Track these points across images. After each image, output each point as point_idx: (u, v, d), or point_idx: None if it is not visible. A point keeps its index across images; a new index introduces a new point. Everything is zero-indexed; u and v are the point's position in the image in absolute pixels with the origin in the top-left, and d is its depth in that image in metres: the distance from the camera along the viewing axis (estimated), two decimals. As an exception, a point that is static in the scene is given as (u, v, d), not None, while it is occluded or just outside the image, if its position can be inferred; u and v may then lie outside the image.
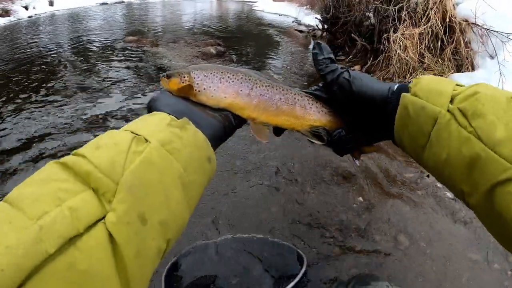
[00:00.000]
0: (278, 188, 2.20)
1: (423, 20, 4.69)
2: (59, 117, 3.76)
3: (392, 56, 4.64)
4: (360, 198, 2.04)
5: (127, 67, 6.13)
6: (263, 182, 2.28)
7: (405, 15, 4.96)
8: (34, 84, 5.27)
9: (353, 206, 1.99)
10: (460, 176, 0.51)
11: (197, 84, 0.71)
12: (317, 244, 1.66)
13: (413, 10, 4.98)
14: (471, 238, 1.82)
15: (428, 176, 2.27)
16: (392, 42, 4.69)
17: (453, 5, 4.61)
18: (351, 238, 1.73)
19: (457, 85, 0.58)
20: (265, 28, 12.94)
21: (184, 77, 0.71)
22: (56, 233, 0.35)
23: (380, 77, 4.81)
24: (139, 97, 4.19)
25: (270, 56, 7.13)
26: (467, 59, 4.29)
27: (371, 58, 5.63)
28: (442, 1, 4.58)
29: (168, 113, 0.57)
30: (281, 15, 17.82)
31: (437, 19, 4.55)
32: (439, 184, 2.19)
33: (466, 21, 4.37)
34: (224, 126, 0.66)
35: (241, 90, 0.72)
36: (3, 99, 4.54)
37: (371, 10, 6.33)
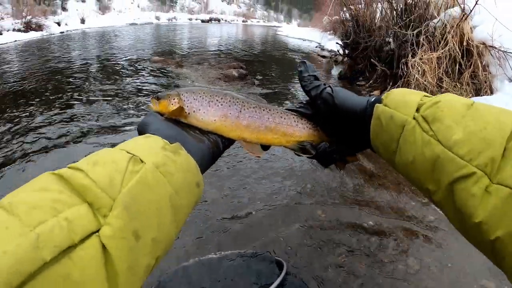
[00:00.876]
0: (289, 207, 2.23)
1: (441, 44, 4.73)
2: (80, 125, 3.99)
3: (411, 81, 4.66)
4: (371, 222, 2.04)
5: (150, 84, 6.36)
6: (275, 203, 2.33)
7: (423, 39, 5.01)
8: (61, 95, 5.50)
9: (363, 228, 1.99)
10: (424, 176, 0.55)
11: (187, 106, 0.73)
12: (325, 265, 1.69)
13: (431, 34, 5.03)
14: (484, 264, 1.78)
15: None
16: (410, 67, 4.74)
17: (470, 28, 4.64)
18: (360, 260, 1.73)
19: (424, 96, 0.63)
20: (288, 52, 13.12)
21: (174, 99, 0.74)
22: (53, 243, 0.36)
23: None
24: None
25: (292, 81, 7.24)
26: (485, 82, 4.28)
27: (391, 83, 5.68)
28: (459, 25, 4.60)
29: (161, 137, 0.59)
30: (305, 40, 18.00)
31: (454, 42, 4.57)
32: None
33: (484, 44, 4.39)
34: (212, 151, 0.68)
35: (230, 113, 0.75)
36: (34, 105, 4.86)
37: (390, 35, 6.39)
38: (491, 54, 4.29)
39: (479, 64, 4.30)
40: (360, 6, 8.97)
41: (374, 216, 2.17)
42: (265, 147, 0.81)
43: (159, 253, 0.49)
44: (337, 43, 9.60)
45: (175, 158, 0.54)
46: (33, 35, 24.12)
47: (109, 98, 5.29)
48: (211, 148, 0.68)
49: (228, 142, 0.75)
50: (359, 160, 0.80)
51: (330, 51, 11.56)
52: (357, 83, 7.14)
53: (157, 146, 0.55)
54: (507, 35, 4.11)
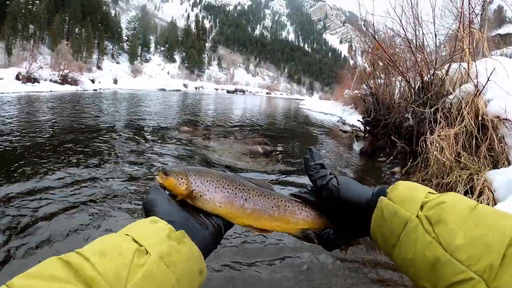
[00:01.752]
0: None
1: (457, 120, 4.87)
2: (98, 187, 4.14)
3: (430, 158, 4.75)
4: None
5: (178, 156, 6.55)
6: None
7: (440, 116, 5.17)
8: (87, 149, 5.75)
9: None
10: (423, 274, 0.56)
11: (194, 189, 0.74)
12: None
13: (448, 110, 5.19)
14: None
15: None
16: (429, 144, 4.84)
17: (484, 102, 4.78)
18: None
19: (429, 192, 0.63)
20: (311, 127, 13.27)
21: (182, 179, 0.74)
22: None
23: (419, 179, 4.87)
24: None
25: None
26: (502, 154, 4.35)
27: (411, 160, 5.76)
28: (474, 101, 4.75)
29: (167, 222, 0.61)
30: (327, 114, 18.33)
31: (470, 118, 4.71)
32: None
33: (498, 117, 4.49)
34: (215, 238, 0.69)
35: (235, 201, 0.76)
36: (55, 160, 5.14)
37: (409, 112, 6.56)
38: (506, 126, 4.39)
39: (495, 137, 4.39)
40: (379, 81, 9.32)
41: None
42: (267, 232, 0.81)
43: None
44: (358, 120, 9.82)
45: (179, 248, 0.56)
46: (68, 88, 25.39)
47: (133, 165, 5.44)
48: (214, 234, 0.69)
49: (229, 224, 0.76)
50: (360, 243, 0.85)
51: (352, 125, 11.80)
52: (378, 159, 7.26)
53: (162, 235, 0.56)
54: None
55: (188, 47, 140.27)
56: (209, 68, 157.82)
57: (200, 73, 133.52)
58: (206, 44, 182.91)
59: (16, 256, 2.74)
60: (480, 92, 4.71)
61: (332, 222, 0.79)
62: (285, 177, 5.13)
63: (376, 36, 7.97)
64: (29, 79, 24.17)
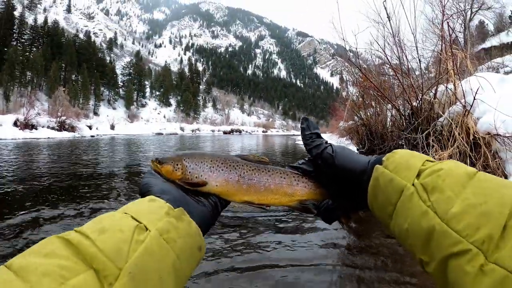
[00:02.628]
0: None
1: (449, 142, 4.88)
2: None
3: (426, 182, 4.72)
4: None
5: None
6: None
7: (432, 140, 5.21)
8: (85, 196, 5.74)
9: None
10: (419, 246, 0.53)
11: (189, 172, 0.75)
12: None
13: (440, 133, 5.22)
14: None
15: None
16: (424, 169, 4.81)
17: (474, 121, 4.82)
18: None
19: (427, 160, 0.61)
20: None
21: (177, 164, 0.75)
22: None
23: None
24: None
25: None
26: (498, 169, 4.34)
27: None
28: (464, 121, 4.81)
29: (165, 201, 0.61)
30: (323, 148, 18.48)
31: (461, 138, 4.73)
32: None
33: (489, 133, 4.52)
34: (213, 213, 0.70)
35: (230, 178, 0.76)
36: (59, 202, 5.22)
37: (402, 139, 6.60)
38: (498, 142, 4.41)
39: (488, 154, 4.39)
40: (370, 111, 9.42)
41: None
42: (267, 206, 0.81)
43: None
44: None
45: (178, 224, 0.56)
46: (65, 134, 25.59)
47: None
48: (211, 210, 0.70)
49: (225, 202, 0.76)
50: (361, 215, 0.83)
51: (349, 157, 11.81)
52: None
53: (161, 212, 0.56)
54: (510, 120, 4.28)
55: (182, 91, 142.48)
56: (204, 110, 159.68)
57: (195, 116, 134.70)
58: (200, 87, 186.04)
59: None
60: (469, 112, 4.77)
61: (330, 193, 0.79)
62: (287, 215, 5.04)
63: (363, 67, 8.12)
64: (27, 125, 24.37)
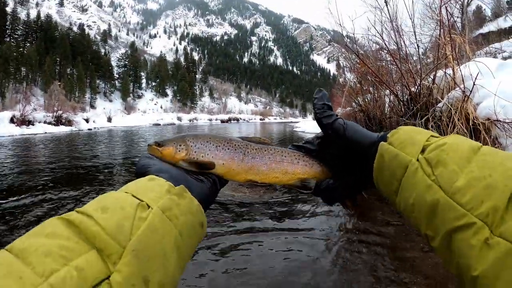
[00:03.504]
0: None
1: (449, 128, 4.83)
2: None
3: (426, 169, 4.68)
4: None
5: None
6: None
7: (432, 126, 5.16)
8: (84, 188, 5.75)
9: None
10: (424, 220, 0.53)
11: (195, 152, 0.74)
12: None
13: (439, 119, 5.17)
14: None
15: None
16: (424, 155, 4.77)
17: (474, 107, 4.79)
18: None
19: (432, 136, 0.61)
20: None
21: (180, 145, 0.74)
22: None
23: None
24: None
25: None
26: (498, 155, 4.29)
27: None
28: (463, 106, 4.78)
29: (165, 179, 0.60)
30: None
31: (461, 124, 4.69)
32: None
33: (489, 119, 4.48)
34: (213, 191, 0.71)
35: (236, 157, 0.77)
36: (58, 193, 5.21)
37: (401, 125, 6.55)
38: (498, 127, 4.38)
39: (488, 140, 4.36)
40: (368, 97, 9.36)
41: None
42: (269, 185, 0.84)
43: None
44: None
45: (180, 201, 0.56)
46: (62, 129, 25.51)
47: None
48: (211, 188, 0.70)
49: (224, 181, 0.77)
50: (366, 198, 0.81)
51: (347, 144, 11.78)
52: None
53: (162, 190, 0.56)
54: (510, 105, 4.26)
55: (179, 80, 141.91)
56: (201, 99, 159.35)
57: (192, 105, 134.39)
58: (197, 76, 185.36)
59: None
60: (468, 97, 4.72)
61: (332, 172, 0.80)
62: (284, 206, 5.03)
63: (360, 53, 8.05)
64: (24, 121, 24.29)
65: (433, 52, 6.63)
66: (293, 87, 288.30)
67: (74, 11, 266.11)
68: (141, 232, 0.47)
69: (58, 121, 27.13)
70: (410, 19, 6.66)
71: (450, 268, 0.51)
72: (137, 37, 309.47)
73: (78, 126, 28.13)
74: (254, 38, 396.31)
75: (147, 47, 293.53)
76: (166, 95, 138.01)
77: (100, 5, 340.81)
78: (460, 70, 5.05)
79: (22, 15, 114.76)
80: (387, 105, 8.29)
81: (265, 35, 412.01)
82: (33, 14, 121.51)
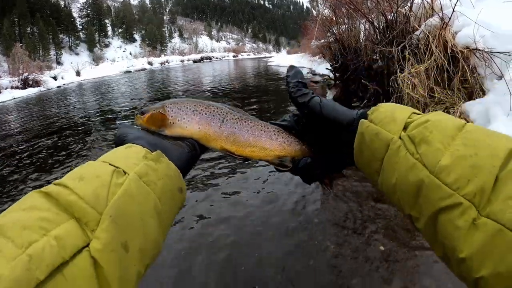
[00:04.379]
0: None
1: (426, 55, 4.77)
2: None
3: (403, 96, 4.69)
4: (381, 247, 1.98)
5: None
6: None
7: (408, 53, 5.07)
8: (64, 149, 5.55)
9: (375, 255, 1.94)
10: (407, 201, 0.52)
11: (172, 116, 0.75)
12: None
13: (416, 46, 5.09)
14: None
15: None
16: (401, 83, 4.76)
17: (452, 35, 4.70)
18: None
19: (414, 113, 0.59)
20: (282, 83, 13.33)
21: (160, 111, 0.75)
22: (45, 262, 0.37)
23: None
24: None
25: (290, 111, 7.62)
26: (476, 85, 4.30)
27: (384, 101, 5.67)
28: (441, 34, 4.65)
29: (142, 146, 0.60)
30: (296, 67, 18.57)
31: (439, 52, 4.61)
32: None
33: (468, 48, 4.41)
34: (192, 155, 0.70)
35: (213, 122, 0.76)
36: (38, 161, 5.17)
37: (377, 53, 6.46)
38: (477, 57, 4.32)
39: (467, 69, 4.32)
40: (343, 27, 9.17)
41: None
42: (246, 159, 0.80)
43: (148, 261, 0.51)
44: (327, 68, 9.71)
45: (157, 166, 0.56)
46: (31, 91, 24.71)
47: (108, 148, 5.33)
48: (190, 152, 0.70)
49: (204, 148, 0.76)
50: (345, 177, 0.75)
51: (322, 75, 11.74)
52: (352, 104, 7.23)
53: (139, 156, 0.56)
54: (490, 34, 4.17)
55: (145, 24, 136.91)
56: (171, 41, 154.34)
57: (163, 48, 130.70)
58: (164, 17, 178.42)
59: None
60: (447, 24, 4.60)
61: (310, 150, 0.79)
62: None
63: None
64: (-12, 91, 23.29)
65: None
66: (265, 21, 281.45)
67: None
68: (117, 198, 0.47)
69: (25, 84, 26.04)
70: None
71: (436, 250, 0.50)
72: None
73: (46, 86, 27.06)
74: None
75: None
76: (134, 40, 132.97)
77: None
78: (439, -3, 4.88)
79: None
80: (362, 33, 8.12)
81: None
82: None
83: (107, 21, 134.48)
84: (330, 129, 0.70)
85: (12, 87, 25.70)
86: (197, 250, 2.54)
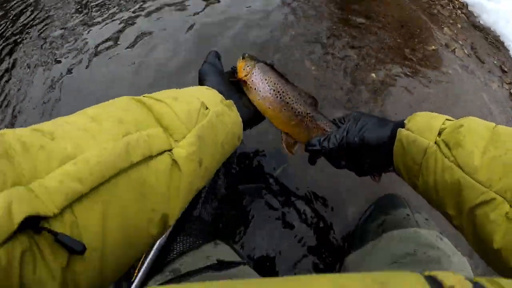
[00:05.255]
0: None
1: None
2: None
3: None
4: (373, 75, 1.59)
5: None
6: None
7: None
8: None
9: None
10: (446, 200, 0.55)
11: (252, 81, 0.78)
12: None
13: None
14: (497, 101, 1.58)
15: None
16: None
17: None
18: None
19: (447, 119, 0.62)
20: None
21: (248, 66, 0.79)
22: (139, 150, 0.43)
23: None
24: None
25: None
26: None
27: None
28: None
29: (219, 92, 0.67)
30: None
31: None
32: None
33: None
34: (252, 118, 0.78)
35: (284, 109, 0.78)
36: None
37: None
38: None
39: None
40: None
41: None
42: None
43: (206, 181, 0.59)
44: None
45: (229, 112, 0.65)
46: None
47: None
48: (252, 116, 0.78)
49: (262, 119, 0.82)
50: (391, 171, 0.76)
51: None
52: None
53: (217, 99, 0.64)
54: None
55: None
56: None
57: None
58: None
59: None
60: None
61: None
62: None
63: None
64: None
65: None
66: None
67: None
68: (205, 123, 0.54)
69: None
70: None
71: (473, 244, 0.54)
72: None
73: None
74: None
75: None
76: None
77: None
78: None
79: None
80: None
81: None
82: None
83: None
84: (371, 150, 0.72)
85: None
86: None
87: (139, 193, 0.43)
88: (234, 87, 0.78)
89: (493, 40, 1.89)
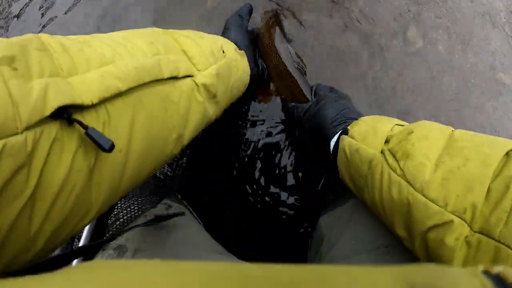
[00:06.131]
0: None
1: None
2: None
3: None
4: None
5: None
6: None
7: None
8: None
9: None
10: (394, 220, 0.48)
11: (274, 45, 0.82)
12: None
13: None
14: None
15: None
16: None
17: None
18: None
19: (397, 124, 0.54)
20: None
21: (272, 30, 0.83)
22: (168, 68, 0.44)
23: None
24: None
25: None
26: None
27: None
28: None
29: (234, 43, 0.71)
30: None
31: None
32: None
33: None
34: (258, 77, 0.81)
35: (289, 77, 0.81)
36: None
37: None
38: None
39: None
40: None
41: None
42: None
43: (217, 115, 0.60)
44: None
45: (241, 60, 0.68)
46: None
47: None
48: (258, 75, 0.80)
49: (268, 81, 0.86)
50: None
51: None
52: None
53: (232, 47, 0.67)
54: None
55: None
56: None
57: None
58: None
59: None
60: None
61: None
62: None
63: None
64: None
65: None
66: None
67: None
68: (223, 63, 0.57)
69: None
70: None
71: None
72: None
73: None
74: None
75: None
76: None
77: None
78: None
79: None
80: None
81: None
82: None
83: None
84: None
85: None
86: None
87: (163, 107, 0.43)
88: (251, 45, 0.79)
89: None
